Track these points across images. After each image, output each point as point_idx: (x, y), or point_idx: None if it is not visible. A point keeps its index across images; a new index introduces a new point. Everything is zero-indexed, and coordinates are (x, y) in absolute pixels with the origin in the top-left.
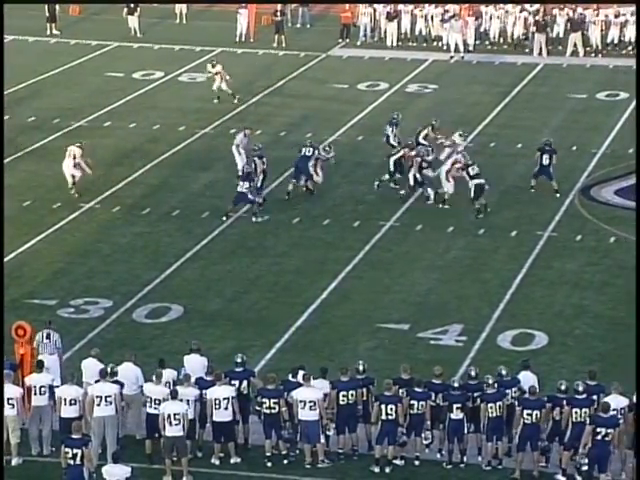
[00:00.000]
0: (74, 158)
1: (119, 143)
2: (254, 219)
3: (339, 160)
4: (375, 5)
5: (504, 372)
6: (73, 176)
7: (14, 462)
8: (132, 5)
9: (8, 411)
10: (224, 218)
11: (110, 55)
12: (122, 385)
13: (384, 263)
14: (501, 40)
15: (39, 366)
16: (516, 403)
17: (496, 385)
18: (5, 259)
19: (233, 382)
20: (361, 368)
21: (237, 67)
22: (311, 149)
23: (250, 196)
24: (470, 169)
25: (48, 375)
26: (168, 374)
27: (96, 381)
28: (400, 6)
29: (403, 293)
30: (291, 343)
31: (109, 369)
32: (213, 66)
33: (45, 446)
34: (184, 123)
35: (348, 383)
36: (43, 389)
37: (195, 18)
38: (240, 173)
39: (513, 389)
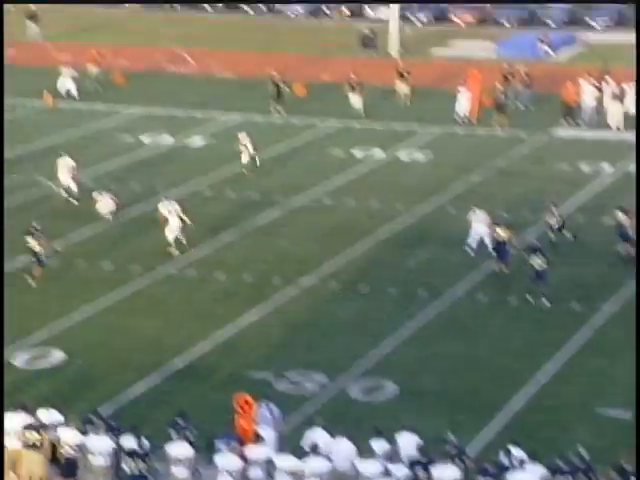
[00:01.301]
0: (72, 171)
1: (339, 220)
2: (535, 299)
3: (559, 240)
4: (600, 84)
5: None
6: (69, 188)
7: None
8: (354, 84)
9: None
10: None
11: (333, 133)
12: None
13: (605, 347)
14: None
15: (257, 438)
16: None
17: None
18: (223, 333)
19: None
20: (581, 456)
21: (457, 147)
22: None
23: (545, 274)
24: None
25: (266, 447)
26: (381, 446)
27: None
28: (624, 86)
29: (626, 379)
30: (506, 425)
31: None
32: (240, 139)
33: None
34: (402, 201)
35: (567, 469)
36: (261, 461)
37: (417, 98)
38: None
39: None
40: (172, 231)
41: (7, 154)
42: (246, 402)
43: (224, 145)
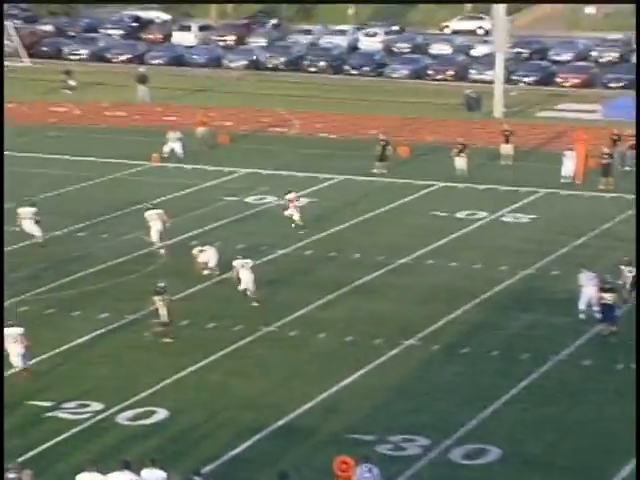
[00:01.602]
0: (164, 222)
1: (440, 281)
2: None
3: None
4: None
5: None
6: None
7: None
8: (460, 146)
9: None
10: None
11: (436, 194)
12: None
13: None
14: None
15: None
16: None
17: None
18: (324, 394)
19: None
20: None
21: (562, 209)
22: None
23: None
24: None
25: None
26: None
27: None
28: None
29: None
30: None
31: None
32: (287, 193)
33: None
34: (505, 263)
35: None
36: None
37: (522, 160)
38: None
39: None
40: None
41: (111, 212)
42: (345, 463)
43: (326, 204)
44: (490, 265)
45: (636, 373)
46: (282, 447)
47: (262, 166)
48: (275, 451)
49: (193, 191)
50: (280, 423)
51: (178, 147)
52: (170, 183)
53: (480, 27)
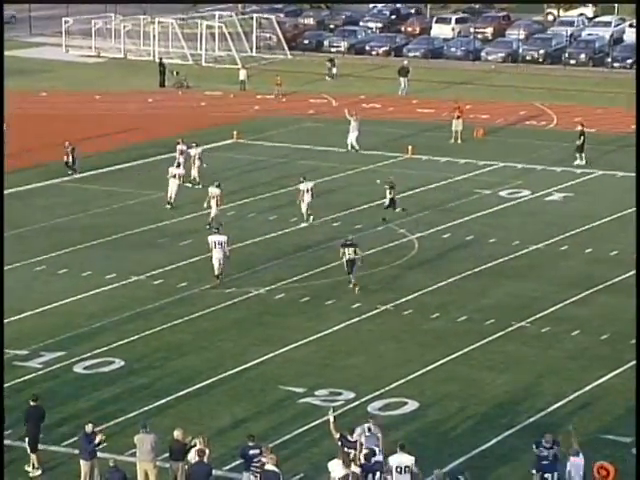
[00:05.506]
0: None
1: None
2: None
3: None
4: None
5: None
6: None
7: None
8: None
9: None
10: None
11: None
12: None
13: None
14: None
15: None
16: None
17: None
18: (578, 392)
19: None
20: None
21: None
22: None
23: None
24: None
25: None
26: None
27: None
28: None
29: None
30: None
31: None
32: (189, 147)
33: None
34: None
35: None
36: None
37: None
38: None
39: None
40: None
41: (367, 203)
42: (604, 469)
43: (582, 199)
44: None
45: (636, 373)
46: (530, 443)
47: (517, 160)
48: (527, 448)
49: (446, 184)
50: (532, 420)
51: (353, 138)
52: (423, 175)
53: None
